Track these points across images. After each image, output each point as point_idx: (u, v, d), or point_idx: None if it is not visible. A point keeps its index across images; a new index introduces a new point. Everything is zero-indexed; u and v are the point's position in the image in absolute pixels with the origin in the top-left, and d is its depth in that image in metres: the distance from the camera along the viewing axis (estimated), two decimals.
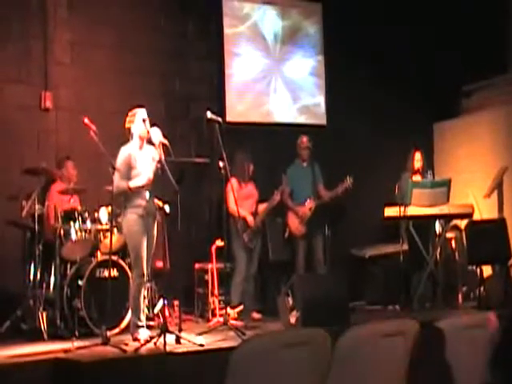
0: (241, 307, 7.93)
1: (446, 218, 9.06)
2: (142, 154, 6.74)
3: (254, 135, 9.77)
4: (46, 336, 6.80)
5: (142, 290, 6.65)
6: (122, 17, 9.11)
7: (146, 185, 6.66)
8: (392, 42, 10.51)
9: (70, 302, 7.11)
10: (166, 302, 6.69)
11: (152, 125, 6.70)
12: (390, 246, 9.52)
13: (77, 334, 6.87)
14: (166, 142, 6.60)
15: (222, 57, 9.88)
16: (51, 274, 7.34)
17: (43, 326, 6.86)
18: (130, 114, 6.78)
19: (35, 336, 6.78)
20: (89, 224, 7.39)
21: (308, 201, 8.78)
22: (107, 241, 7.07)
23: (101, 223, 7.44)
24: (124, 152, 6.69)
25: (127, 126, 6.76)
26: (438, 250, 9.08)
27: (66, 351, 5.97)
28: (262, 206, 8.59)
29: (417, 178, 9.16)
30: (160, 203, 7.00)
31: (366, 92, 10.32)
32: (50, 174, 7.51)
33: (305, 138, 8.96)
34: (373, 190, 9.66)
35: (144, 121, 6.68)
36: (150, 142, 6.72)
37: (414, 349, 3.69)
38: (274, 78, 10.29)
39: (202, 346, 6.09)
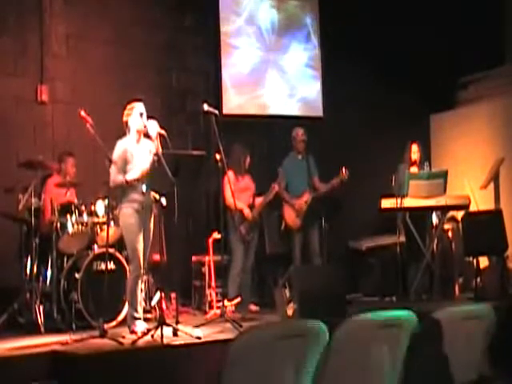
0: (238, 299, 7.94)
1: (443, 210, 9.06)
2: (138, 147, 6.73)
3: (250, 128, 9.77)
4: (42, 329, 6.78)
5: (139, 282, 6.65)
6: (119, 10, 9.09)
7: (142, 177, 6.64)
8: (388, 33, 10.50)
9: (66, 295, 7.10)
10: (163, 294, 6.69)
11: (149, 117, 6.69)
12: (387, 237, 9.52)
13: (74, 326, 6.87)
14: (163, 132, 6.59)
15: (218, 50, 9.87)
16: (48, 267, 7.33)
17: (40, 319, 6.85)
18: (128, 107, 6.77)
19: (32, 329, 6.78)
20: (85, 217, 7.37)
21: (305, 193, 8.79)
22: (104, 234, 7.06)
23: (97, 216, 7.42)
24: (120, 146, 6.68)
25: (125, 119, 6.75)
26: (435, 242, 9.08)
27: (63, 344, 5.97)
28: (259, 200, 8.58)
29: (414, 169, 9.16)
30: (157, 196, 7.00)
31: (363, 84, 10.31)
32: (47, 168, 7.49)
33: (300, 131, 8.94)
34: (369, 182, 9.66)
35: (141, 115, 6.67)
36: (147, 135, 6.71)
37: (411, 340, 3.70)
38: (270, 70, 10.28)
39: (199, 338, 6.09)
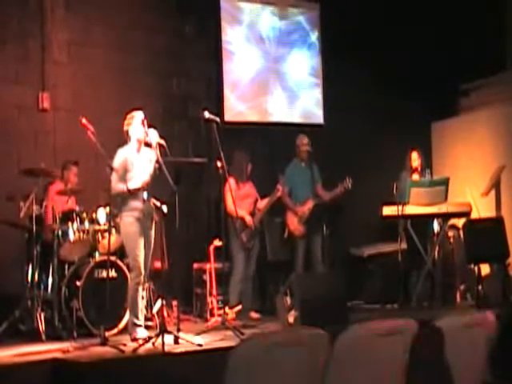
0: (239, 307, 7.92)
1: (444, 217, 9.06)
2: (139, 156, 6.75)
3: (251, 135, 9.77)
4: (44, 337, 6.77)
5: (140, 289, 6.65)
6: (120, 16, 9.10)
7: (143, 187, 6.66)
8: (390, 41, 10.52)
9: (68, 303, 7.10)
10: (164, 302, 6.68)
11: (149, 126, 6.71)
12: (389, 244, 9.52)
13: (75, 334, 6.87)
14: (162, 142, 6.61)
15: (219, 56, 9.88)
16: (49, 275, 7.34)
17: (41, 326, 6.84)
18: (128, 116, 6.79)
19: (33, 337, 6.76)
20: (87, 224, 7.38)
21: (308, 201, 8.79)
22: (105, 241, 7.07)
23: (99, 224, 7.43)
24: (120, 155, 6.70)
25: (125, 128, 6.78)
26: (436, 249, 9.08)
27: (64, 352, 5.97)
28: (264, 202, 8.57)
29: (415, 176, 9.17)
30: (158, 203, 7.00)
31: (364, 91, 10.32)
32: (48, 175, 7.48)
33: (305, 139, 8.94)
34: (371, 189, 9.65)
35: (142, 123, 6.68)
36: (147, 144, 6.73)
37: (413, 348, 3.69)
38: (271, 77, 10.28)
39: (200, 345, 6.08)
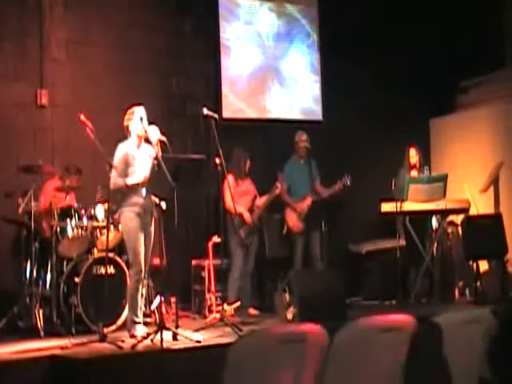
0: (238, 303, 7.93)
1: (443, 213, 9.07)
2: (139, 152, 6.74)
3: (250, 132, 9.76)
4: (42, 333, 6.78)
5: (140, 286, 6.65)
6: (118, 15, 9.09)
7: (143, 182, 6.66)
8: (389, 38, 10.50)
9: (66, 299, 7.10)
10: (162, 298, 6.68)
11: (150, 123, 6.70)
12: (387, 241, 9.53)
13: (73, 331, 6.87)
14: (164, 138, 6.61)
15: (218, 54, 9.87)
16: (47, 272, 7.33)
17: (40, 323, 6.84)
18: (128, 111, 6.78)
19: (32, 333, 6.77)
20: (85, 221, 7.37)
21: (307, 197, 8.80)
22: (104, 238, 7.06)
23: (97, 220, 7.42)
24: (121, 149, 6.69)
25: (125, 123, 6.77)
26: (435, 245, 9.09)
27: (62, 348, 5.96)
28: (263, 199, 8.59)
29: (414, 173, 9.17)
30: (156, 200, 7.00)
31: (363, 88, 10.31)
32: (46, 172, 7.47)
33: (303, 136, 8.94)
34: (369, 186, 9.66)
35: (141, 119, 6.67)
36: (147, 140, 6.73)
37: (411, 344, 3.70)
38: (269, 74, 10.27)
39: (198, 342, 6.08)
